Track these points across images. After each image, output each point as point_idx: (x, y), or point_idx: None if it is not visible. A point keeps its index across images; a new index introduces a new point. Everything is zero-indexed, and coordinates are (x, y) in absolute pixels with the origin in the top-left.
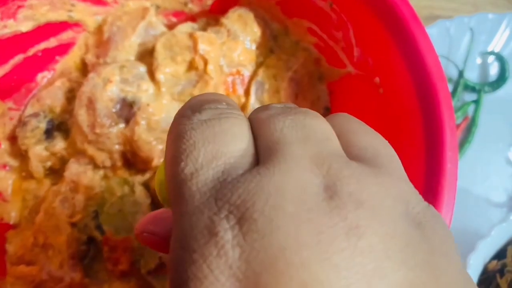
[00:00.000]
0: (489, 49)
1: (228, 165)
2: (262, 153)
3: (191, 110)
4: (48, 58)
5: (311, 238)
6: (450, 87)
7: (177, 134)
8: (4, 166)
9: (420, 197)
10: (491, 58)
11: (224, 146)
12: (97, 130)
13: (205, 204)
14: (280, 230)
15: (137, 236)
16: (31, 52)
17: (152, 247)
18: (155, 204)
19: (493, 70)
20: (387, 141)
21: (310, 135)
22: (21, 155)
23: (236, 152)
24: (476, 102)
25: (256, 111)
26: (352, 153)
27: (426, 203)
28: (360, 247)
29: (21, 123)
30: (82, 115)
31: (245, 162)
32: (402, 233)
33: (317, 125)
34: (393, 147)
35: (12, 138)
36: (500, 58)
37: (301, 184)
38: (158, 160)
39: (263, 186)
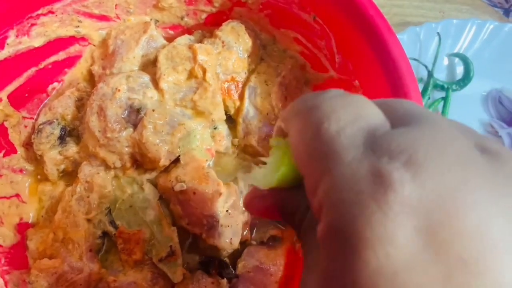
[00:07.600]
0: (455, 51)
1: (370, 124)
2: (399, 120)
3: (312, 95)
4: (57, 70)
5: (480, 182)
6: (421, 86)
7: (310, 107)
8: (21, 170)
9: None
10: (457, 59)
11: (362, 109)
12: (108, 135)
13: (363, 154)
14: (449, 174)
15: (246, 207)
16: (42, 65)
17: (258, 214)
18: (162, 199)
19: (459, 70)
20: None
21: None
22: (36, 160)
23: (373, 115)
24: (445, 99)
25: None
26: None
27: None
28: None
29: (36, 130)
30: (93, 121)
31: (383, 123)
32: None
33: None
34: None
35: (27, 145)
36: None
37: (455, 140)
38: (164, 159)
39: (419, 138)
